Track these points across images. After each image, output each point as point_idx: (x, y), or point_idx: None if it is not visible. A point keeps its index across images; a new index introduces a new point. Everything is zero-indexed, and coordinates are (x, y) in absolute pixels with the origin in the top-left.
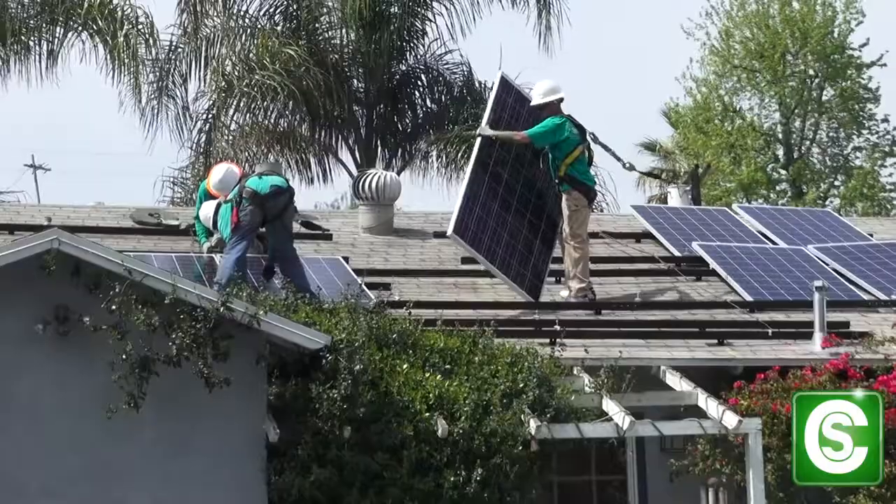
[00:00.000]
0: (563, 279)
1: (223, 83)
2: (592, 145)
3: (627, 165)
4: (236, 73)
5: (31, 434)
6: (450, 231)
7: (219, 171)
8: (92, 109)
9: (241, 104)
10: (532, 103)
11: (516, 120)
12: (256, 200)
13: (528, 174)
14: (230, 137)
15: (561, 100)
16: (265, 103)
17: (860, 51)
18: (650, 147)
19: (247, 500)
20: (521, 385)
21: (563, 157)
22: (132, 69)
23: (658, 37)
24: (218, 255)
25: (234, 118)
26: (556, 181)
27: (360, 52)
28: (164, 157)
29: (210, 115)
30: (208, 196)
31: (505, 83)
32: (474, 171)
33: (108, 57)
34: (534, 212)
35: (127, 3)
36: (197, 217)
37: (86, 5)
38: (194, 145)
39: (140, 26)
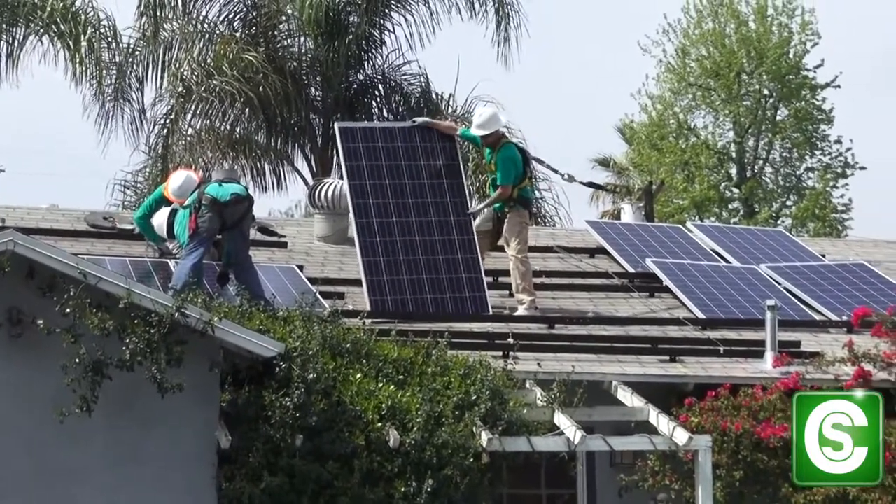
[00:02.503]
0: (512, 293)
1: (181, 88)
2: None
3: (566, 177)
4: (194, 79)
5: None
6: (368, 308)
7: (178, 178)
8: (49, 110)
9: (199, 109)
10: (473, 130)
11: (375, 157)
12: (216, 208)
13: (415, 200)
14: (187, 142)
15: (500, 128)
16: (222, 109)
17: (815, 72)
18: (604, 163)
19: None
20: (473, 397)
21: (520, 182)
22: (95, 74)
23: (615, 53)
24: (172, 260)
25: (191, 123)
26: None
27: (318, 60)
28: (120, 160)
29: (168, 120)
30: (164, 201)
31: (345, 132)
32: (361, 241)
33: (70, 60)
34: (440, 230)
35: (90, 6)
36: (141, 217)
37: (48, 8)
38: (150, 150)
39: (102, 29)
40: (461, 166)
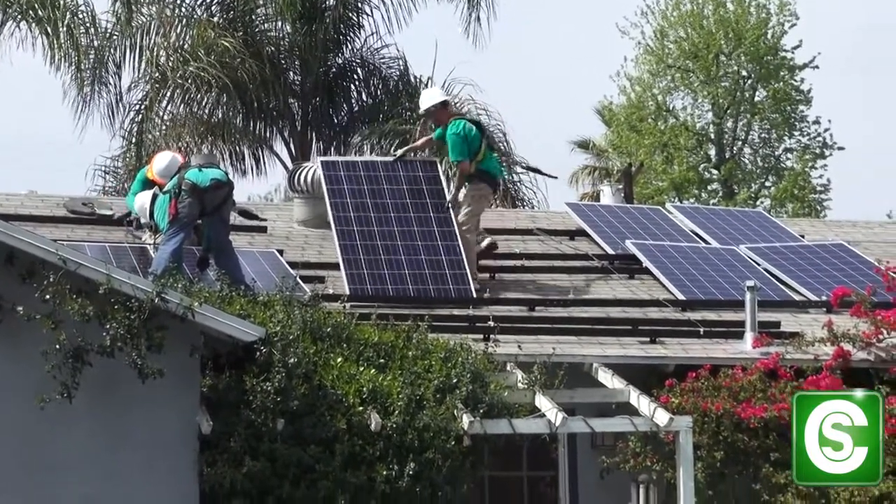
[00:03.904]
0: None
1: (157, 74)
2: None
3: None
4: (170, 65)
5: None
6: (347, 292)
7: (163, 159)
8: (27, 96)
9: (175, 95)
10: (420, 110)
11: (357, 185)
12: (196, 193)
13: (398, 215)
14: (163, 128)
15: (445, 104)
16: (199, 94)
17: (793, 53)
18: (583, 145)
19: (179, 492)
20: (454, 380)
21: (475, 155)
22: (75, 60)
23: (593, 35)
24: (151, 245)
25: (168, 109)
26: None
27: (296, 44)
28: (98, 145)
29: (143, 106)
30: (147, 182)
31: (326, 165)
32: (338, 229)
33: (49, 46)
34: (423, 238)
35: None
36: (132, 198)
37: None
38: (126, 135)
39: (80, 14)
40: (445, 189)
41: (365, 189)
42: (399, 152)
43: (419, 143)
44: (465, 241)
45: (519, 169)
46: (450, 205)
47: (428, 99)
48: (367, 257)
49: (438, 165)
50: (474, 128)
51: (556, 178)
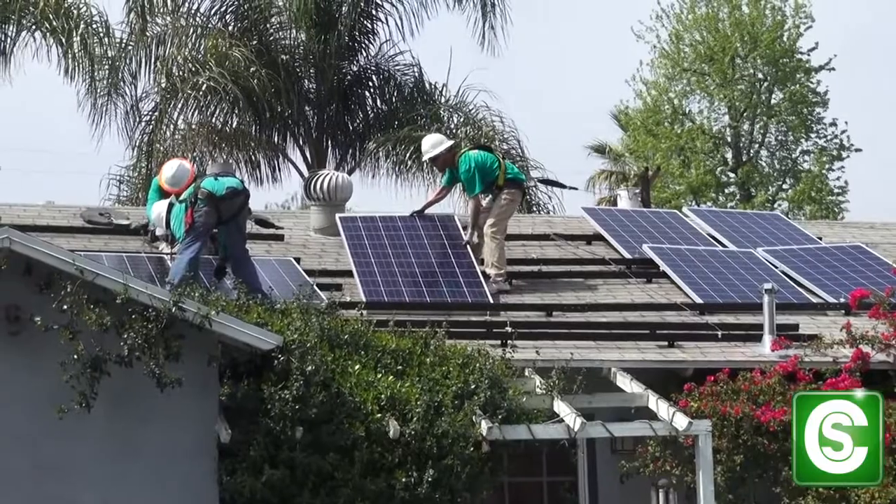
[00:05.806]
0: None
1: (168, 84)
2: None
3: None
4: (180, 75)
5: None
6: (364, 301)
7: (171, 167)
8: (42, 107)
9: (189, 104)
10: (424, 158)
11: (377, 236)
12: (212, 202)
13: (415, 250)
14: (175, 137)
15: (450, 148)
16: (212, 106)
17: (809, 55)
18: (600, 150)
19: (198, 501)
20: (472, 386)
21: (496, 177)
22: (88, 69)
23: (609, 39)
24: (167, 254)
25: (182, 118)
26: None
27: (310, 52)
28: (114, 155)
29: (152, 118)
30: (160, 191)
31: (344, 221)
32: (353, 253)
33: (63, 56)
34: (440, 264)
35: (82, 1)
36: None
37: (41, 4)
38: (137, 144)
39: (94, 25)
40: (462, 234)
41: (383, 235)
42: (416, 210)
43: (435, 197)
44: (497, 242)
45: (537, 183)
46: (467, 244)
47: (433, 147)
48: (380, 269)
49: (458, 222)
50: (480, 152)
51: (576, 188)
